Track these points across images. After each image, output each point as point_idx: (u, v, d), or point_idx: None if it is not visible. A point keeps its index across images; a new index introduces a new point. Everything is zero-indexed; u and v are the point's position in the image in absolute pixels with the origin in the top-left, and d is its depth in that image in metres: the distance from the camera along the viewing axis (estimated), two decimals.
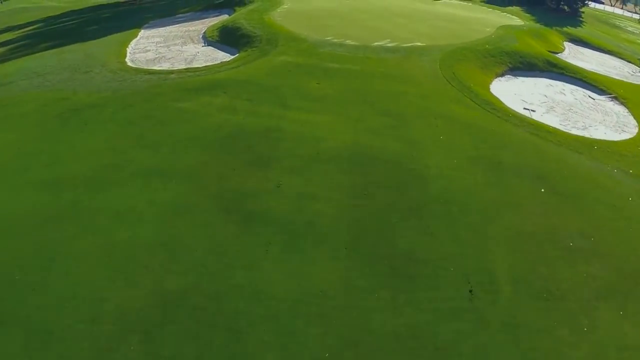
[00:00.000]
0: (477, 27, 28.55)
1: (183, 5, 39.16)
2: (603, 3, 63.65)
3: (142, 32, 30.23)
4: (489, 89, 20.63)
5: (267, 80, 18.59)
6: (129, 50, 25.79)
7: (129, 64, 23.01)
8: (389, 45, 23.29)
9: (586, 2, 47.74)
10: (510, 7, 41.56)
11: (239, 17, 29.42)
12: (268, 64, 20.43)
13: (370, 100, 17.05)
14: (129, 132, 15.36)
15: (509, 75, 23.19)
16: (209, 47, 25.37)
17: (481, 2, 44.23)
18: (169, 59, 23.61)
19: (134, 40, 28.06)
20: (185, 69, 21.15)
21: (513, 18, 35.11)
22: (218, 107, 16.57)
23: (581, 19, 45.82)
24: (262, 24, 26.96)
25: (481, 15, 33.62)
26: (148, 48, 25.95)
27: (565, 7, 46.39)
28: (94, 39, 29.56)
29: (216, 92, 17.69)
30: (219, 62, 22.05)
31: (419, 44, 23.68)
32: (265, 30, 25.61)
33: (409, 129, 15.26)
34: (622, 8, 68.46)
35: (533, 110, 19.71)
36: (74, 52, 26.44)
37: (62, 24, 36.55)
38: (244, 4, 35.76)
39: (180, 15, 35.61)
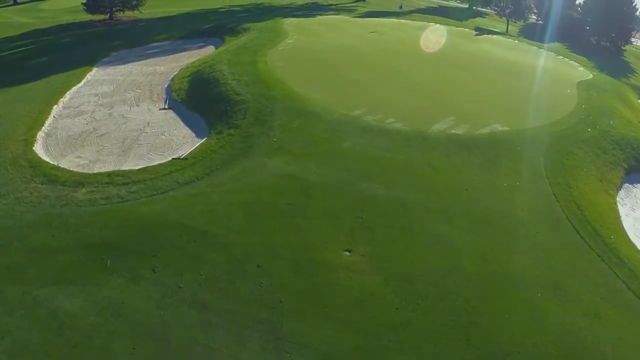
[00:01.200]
0: (555, 89, 18.43)
1: (163, 29, 28.69)
2: None
3: (93, 72, 20.16)
4: (625, 232, 10.62)
5: (245, 236, 8.62)
6: (55, 111, 15.83)
7: (36, 147, 13.07)
8: (456, 131, 13.11)
9: (631, 39, 38.25)
10: (552, 44, 31.67)
11: (223, 57, 19.15)
12: (250, 183, 10.37)
13: (466, 318, 7.02)
14: None
15: (627, 185, 13.45)
16: (169, 111, 15.32)
17: (518, 35, 34.16)
18: (101, 136, 13.59)
19: (75, 88, 18.06)
20: (109, 173, 11.13)
21: (574, 65, 25.13)
22: (131, 325, 6.56)
23: (625, 58, 36.51)
24: (254, 75, 16.86)
25: (541, 63, 23.50)
26: (83, 108, 15.89)
27: (608, 44, 36.94)
28: (27, 81, 19.44)
29: (140, 263, 7.75)
30: (169, 157, 11.85)
31: (500, 127, 13.54)
32: (255, 88, 15.53)
33: None
34: None
35: None
36: None
37: (9, 52, 26.09)
38: (237, 34, 25.39)
39: (155, 44, 25.30)
